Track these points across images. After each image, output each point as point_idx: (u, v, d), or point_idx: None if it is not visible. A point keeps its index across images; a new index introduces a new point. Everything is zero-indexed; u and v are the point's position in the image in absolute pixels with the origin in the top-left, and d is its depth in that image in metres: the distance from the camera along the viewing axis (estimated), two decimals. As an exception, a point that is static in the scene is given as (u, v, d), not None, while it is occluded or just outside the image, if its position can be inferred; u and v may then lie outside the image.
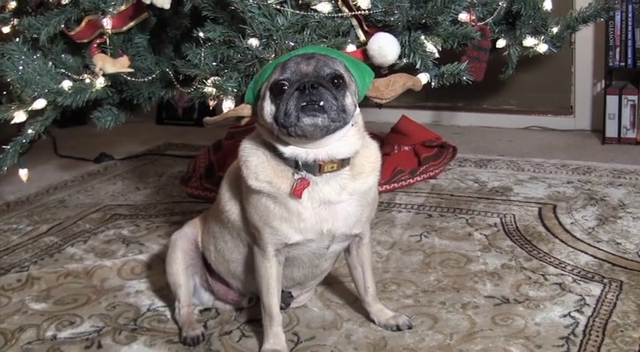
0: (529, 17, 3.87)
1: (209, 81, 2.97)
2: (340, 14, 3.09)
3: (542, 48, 3.95)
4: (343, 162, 2.32)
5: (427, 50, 3.15)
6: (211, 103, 3.08)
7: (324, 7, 3.06)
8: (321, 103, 2.14)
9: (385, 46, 2.85)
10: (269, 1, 2.95)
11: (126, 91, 3.40)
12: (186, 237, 2.83)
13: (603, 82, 5.49)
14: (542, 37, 3.96)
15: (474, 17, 3.25)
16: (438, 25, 3.16)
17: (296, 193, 2.28)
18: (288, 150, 2.27)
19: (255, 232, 2.43)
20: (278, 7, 2.98)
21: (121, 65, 3.20)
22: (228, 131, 4.70)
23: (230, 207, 2.56)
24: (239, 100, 2.72)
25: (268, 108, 2.22)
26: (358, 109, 2.36)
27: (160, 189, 4.65)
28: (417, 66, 3.13)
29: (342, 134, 2.27)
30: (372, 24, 3.12)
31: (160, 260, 3.27)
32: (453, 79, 3.15)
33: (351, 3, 3.05)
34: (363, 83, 2.36)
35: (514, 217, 3.79)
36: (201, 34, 3.08)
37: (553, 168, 4.69)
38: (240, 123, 2.42)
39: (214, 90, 2.94)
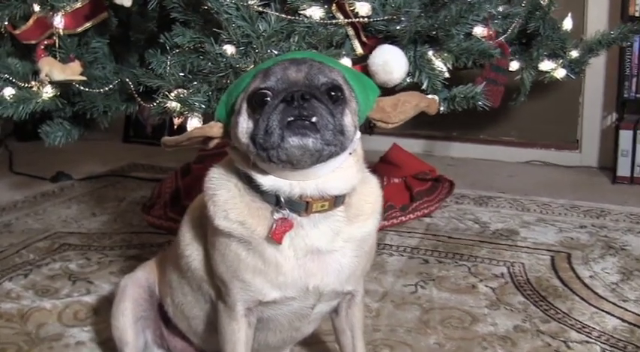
0: (547, 38, 3.39)
1: (172, 94, 2.44)
2: (334, 21, 2.66)
3: (560, 73, 3.54)
4: (337, 201, 1.92)
5: (436, 68, 2.67)
6: (176, 121, 2.61)
7: (315, 13, 2.64)
8: (314, 119, 1.74)
9: (391, 61, 2.34)
10: (250, 2, 2.46)
11: (78, 103, 2.97)
12: (139, 283, 2.44)
13: (614, 114, 5.17)
14: (561, 61, 3.47)
15: (492, 32, 2.74)
16: (450, 39, 2.71)
17: (275, 238, 1.89)
18: (267, 182, 1.87)
19: (220, 285, 2.06)
20: (260, 9, 2.48)
21: (71, 72, 2.76)
22: (198, 153, 4.27)
23: (191, 251, 2.19)
24: (208, 119, 2.24)
25: (244, 124, 1.83)
26: (359, 133, 1.94)
27: (118, 216, 4.29)
28: (424, 86, 2.70)
29: (338, 163, 1.87)
30: (372, 34, 2.70)
31: (109, 303, 2.79)
32: (466, 103, 2.70)
33: (347, 8, 2.60)
34: (366, 101, 1.94)
35: (523, 267, 3.41)
36: (167, 40, 2.67)
37: (562, 209, 4.33)
38: (207, 146, 2.00)
39: (178, 105, 2.43)
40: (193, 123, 2.52)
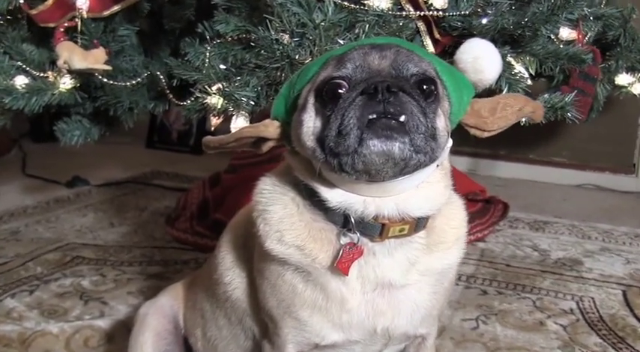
0: (626, 48, 3.03)
1: (214, 88, 2.08)
2: (403, 13, 2.34)
3: (638, 88, 3.18)
4: (418, 224, 1.61)
5: (517, 72, 2.30)
6: (213, 122, 2.27)
7: (382, 3, 2.29)
8: (402, 118, 1.42)
9: (483, 58, 1.95)
10: None
11: (100, 98, 2.69)
12: (162, 312, 2.14)
13: None
14: (639, 76, 3.10)
15: (582, 34, 2.37)
16: (535, 40, 2.31)
17: (341, 267, 1.57)
18: (334, 197, 1.56)
19: (268, 322, 1.77)
20: None
21: (94, 59, 2.48)
22: (230, 162, 3.91)
23: (232, 277, 1.88)
24: (256, 120, 1.87)
25: (310, 123, 1.51)
26: (450, 141, 1.61)
27: (139, 227, 3.98)
28: (504, 91, 2.29)
29: (424, 177, 1.57)
30: (446, 31, 2.33)
31: (125, 329, 2.54)
32: (553, 114, 2.35)
33: (419, 0, 2.19)
34: (460, 101, 1.61)
35: (594, 302, 3.05)
36: (207, 29, 2.41)
37: (625, 237, 3.99)
38: (259, 149, 1.66)
39: (221, 101, 2.07)
40: (239, 123, 2.19)
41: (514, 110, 1.65)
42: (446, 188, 1.64)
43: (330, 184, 1.55)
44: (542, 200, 4.82)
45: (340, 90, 1.47)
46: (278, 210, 1.65)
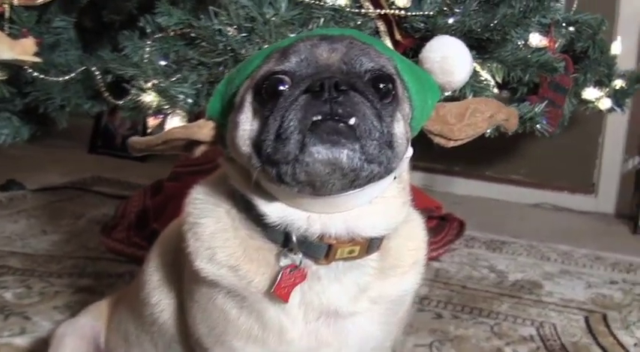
0: (595, 61, 2.87)
1: (149, 84, 1.87)
2: (361, 11, 2.16)
3: (605, 104, 3.06)
4: (371, 245, 1.42)
5: (482, 80, 2.11)
6: (150, 122, 2.03)
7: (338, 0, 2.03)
8: (352, 121, 1.23)
9: (453, 58, 1.72)
10: None
11: (31, 94, 2.48)
12: (81, 333, 1.94)
13: (637, 158, 4.81)
14: (607, 90, 2.95)
15: (553, 41, 2.20)
16: (503, 46, 2.14)
17: (280, 294, 1.39)
18: (274, 211, 1.37)
19: (198, 350, 1.57)
20: None
21: (22, 50, 2.32)
22: (173, 170, 3.72)
23: (159, 298, 1.68)
24: (193, 118, 1.66)
25: (247, 125, 1.33)
26: (410, 150, 1.42)
27: (73, 236, 3.75)
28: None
29: (378, 191, 1.39)
30: (408, 32, 2.13)
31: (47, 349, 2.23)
32: (522, 125, 2.16)
33: (381, -3, 2.03)
34: (423, 105, 1.42)
35: (555, 328, 2.90)
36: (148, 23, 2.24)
37: (585, 260, 3.85)
38: (191, 153, 1.47)
39: (156, 98, 1.84)
40: (174, 123, 1.95)
41: (485, 117, 1.47)
42: (404, 204, 1.45)
43: (270, 196, 1.35)
44: (499, 219, 4.69)
45: (281, 87, 1.27)
46: (210, 224, 1.45)
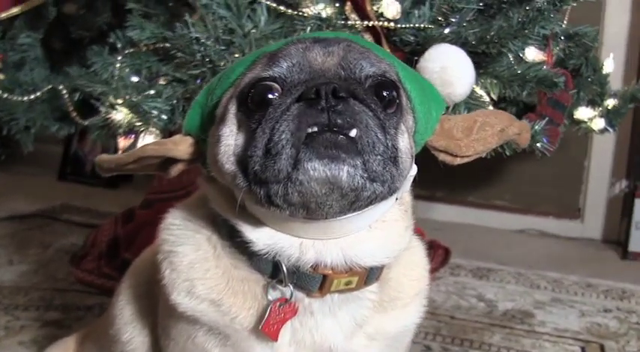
0: (587, 79, 2.76)
1: (120, 100, 1.72)
2: (348, 23, 2.03)
3: (598, 124, 2.93)
4: (370, 275, 1.30)
5: (477, 96, 2.00)
6: (121, 143, 1.87)
7: (322, 10, 1.97)
8: (353, 133, 1.10)
9: (453, 68, 1.59)
10: None
11: None
12: None
13: (624, 181, 4.67)
14: (600, 110, 2.84)
15: (551, 55, 2.07)
16: (498, 60, 1.99)
17: (267, 331, 1.26)
18: (262, 238, 1.24)
19: None
20: None
21: None
22: (145, 197, 3.58)
23: (131, 335, 1.54)
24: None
25: (231, 139, 1.20)
26: (415, 168, 1.28)
27: (41, 266, 3.62)
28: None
29: (379, 214, 1.26)
30: (397, 46, 2.04)
31: None
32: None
33: (368, 8, 1.88)
34: (428, 118, 1.29)
35: None
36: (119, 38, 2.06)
37: (576, 287, 3.72)
38: (167, 173, 1.32)
39: (128, 115, 1.70)
40: (147, 142, 1.80)
41: (495, 131, 1.33)
42: (406, 229, 1.32)
43: (257, 221, 1.22)
44: (483, 245, 4.56)
45: (270, 96, 1.15)
46: (189, 253, 1.31)
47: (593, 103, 2.95)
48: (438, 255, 3.78)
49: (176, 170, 1.30)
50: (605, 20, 4.47)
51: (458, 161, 1.33)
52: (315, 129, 1.08)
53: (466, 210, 5.12)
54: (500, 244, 4.59)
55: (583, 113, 2.87)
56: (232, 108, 1.19)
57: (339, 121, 1.08)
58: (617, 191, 4.75)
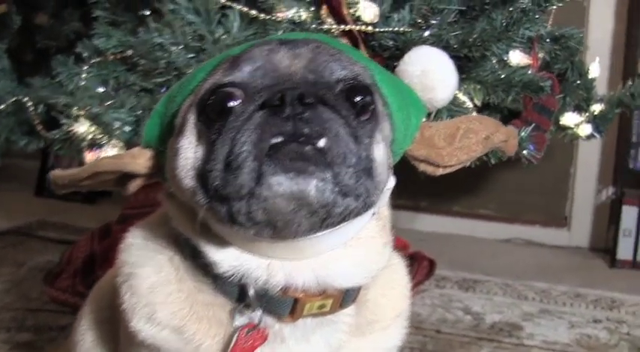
0: (573, 84, 2.69)
1: (82, 112, 1.62)
2: (323, 27, 1.94)
3: (585, 130, 2.84)
4: (345, 297, 1.19)
5: (460, 102, 1.91)
6: (87, 157, 1.77)
7: (296, 16, 1.86)
8: (321, 143, 1.00)
9: (435, 72, 1.49)
10: None
11: None
12: None
13: (611, 188, 4.59)
14: (586, 115, 2.76)
15: (539, 57, 1.99)
16: (481, 64, 1.90)
17: None
18: (226, 259, 1.13)
19: None
20: (224, 1, 1.73)
21: None
22: (122, 212, 3.44)
23: None
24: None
25: (190, 152, 1.09)
26: (392, 180, 1.19)
27: (13, 285, 3.47)
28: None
29: (355, 231, 1.16)
30: (376, 51, 1.95)
31: None
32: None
33: (344, 11, 1.78)
34: (407, 125, 1.19)
35: None
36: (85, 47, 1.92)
37: (565, 297, 3.63)
38: (125, 189, 1.23)
39: (90, 127, 1.60)
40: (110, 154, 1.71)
41: (480, 138, 1.23)
42: (385, 246, 1.22)
43: (221, 240, 1.11)
44: (469, 256, 4.47)
45: (231, 103, 1.04)
46: (149, 275, 1.21)
47: (579, 109, 2.88)
48: (423, 266, 3.68)
49: (135, 186, 1.19)
50: (589, 24, 4.41)
51: (440, 171, 1.23)
52: (280, 139, 0.98)
53: (451, 220, 5.03)
54: (487, 254, 4.51)
55: (569, 119, 2.80)
56: (192, 118, 1.09)
57: (305, 130, 0.98)
58: (604, 198, 4.67)
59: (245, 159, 0.98)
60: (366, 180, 1.02)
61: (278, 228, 1.01)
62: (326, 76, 1.06)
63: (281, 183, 0.96)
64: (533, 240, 4.81)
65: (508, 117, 2.39)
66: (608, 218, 4.50)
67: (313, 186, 0.97)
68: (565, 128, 2.82)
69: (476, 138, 1.21)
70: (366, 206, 1.04)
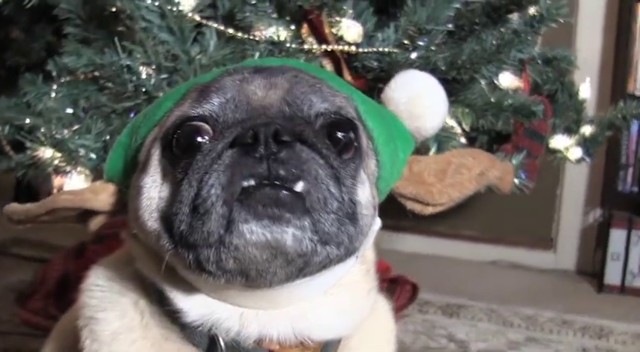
0: (563, 105, 2.62)
1: (48, 136, 1.53)
2: (304, 47, 1.84)
3: (575, 153, 2.75)
4: (325, 348, 1.08)
5: (447, 127, 1.83)
6: (56, 182, 1.67)
7: (275, 35, 1.78)
8: (299, 187, 0.91)
9: (423, 97, 1.37)
10: (182, 9, 1.58)
11: None
12: None
13: (598, 210, 4.53)
14: (576, 137, 2.68)
15: (527, 81, 1.91)
16: (470, 88, 1.82)
17: None
18: (195, 307, 1.03)
19: None
20: (198, 18, 1.62)
21: None
22: (97, 231, 3.20)
23: None
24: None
25: (154, 191, 1.00)
26: (378, 221, 1.13)
27: None
28: (431, 152, 1.85)
29: (336, 278, 1.06)
30: (359, 72, 1.84)
31: None
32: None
33: (326, 31, 1.70)
34: (394, 160, 1.11)
35: None
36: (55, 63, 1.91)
37: (552, 324, 3.54)
38: (87, 226, 1.17)
39: (56, 153, 1.50)
40: (75, 184, 1.61)
41: (473, 174, 1.15)
42: (369, 293, 1.12)
43: (189, 286, 1.01)
44: (452, 279, 4.38)
45: (199, 139, 0.96)
46: (112, 320, 1.10)
47: (568, 131, 2.80)
48: (405, 290, 3.58)
49: (96, 223, 1.10)
50: (577, 43, 4.36)
51: (429, 210, 1.14)
52: (252, 182, 0.89)
53: (434, 241, 4.95)
54: (471, 276, 4.44)
55: (559, 142, 2.71)
56: (156, 153, 1.00)
57: (281, 172, 0.89)
58: (591, 220, 4.62)
59: (214, 204, 0.89)
60: (349, 226, 0.92)
61: (251, 277, 0.92)
62: (304, 109, 0.97)
63: (253, 232, 0.87)
64: (518, 263, 4.73)
65: (496, 139, 2.31)
66: (596, 241, 4.44)
67: (290, 235, 0.88)
68: (554, 151, 2.74)
69: (469, 174, 1.12)
70: (348, 253, 0.94)
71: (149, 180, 0.99)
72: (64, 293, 3.13)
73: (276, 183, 0.89)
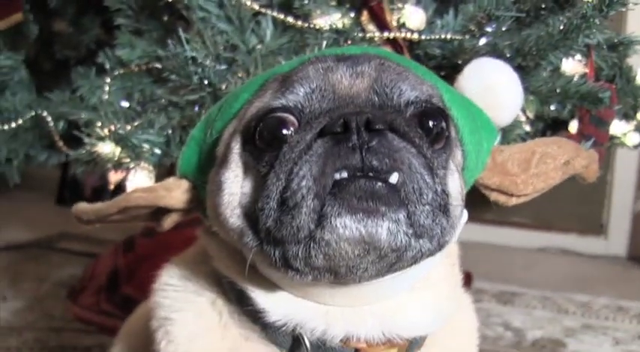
0: (621, 91, 2.54)
1: (106, 130, 1.50)
2: (366, 36, 1.78)
3: (632, 139, 2.66)
4: (412, 345, 1.05)
5: None
6: (112, 178, 1.65)
7: (337, 23, 1.74)
8: (394, 178, 0.87)
9: (499, 87, 1.33)
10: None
11: None
12: None
13: None
14: (634, 123, 2.61)
15: (595, 67, 1.86)
16: (534, 74, 1.78)
17: None
18: (278, 307, 1.01)
19: None
20: (256, 6, 1.58)
21: None
22: (145, 225, 3.21)
23: None
24: (165, 174, 1.28)
25: (235, 187, 0.97)
26: (465, 214, 1.11)
27: (36, 302, 3.30)
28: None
29: (423, 273, 1.04)
30: (421, 60, 1.79)
31: None
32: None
33: (388, 18, 1.65)
34: (478, 150, 1.07)
35: None
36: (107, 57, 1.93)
37: (607, 311, 3.48)
38: (160, 225, 1.12)
39: (116, 149, 1.47)
40: (138, 180, 1.57)
41: (558, 164, 1.13)
42: (455, 288, 1.12)
43: (271, 285, 0.99)
44: (503, 266, 4.32)
45: (285, 131, 0.93)
46: (189, 321, 1.08)
47: (626, 117, 2.74)
48: (460, 280, 3.58)
49: (170, 222, 1.07)
50: (627, 26, 4.28)
51: (514, 201, 1.11)
52: (345, 174, 0.86)
53: (483, 228, 4.84)
54: (521, 264, 4.39)
55: (618, 127, 2.65)
56: (236, 147, 0.97)
57: (375, 163, 0.85)
58: (645, 205, 4.53)
59: (304, 197, 0.86)
60: (442, 218, 0.90)
61: (340, 274, 0.90)
62: (394, 98, 0.94)
63: (347, 226, 0.84)
64: (568, 249, 4.68)
65: (552, 126, 2.26)
66: (650, 226, 4.31)
67: (385, 229, 0.85)
68: (612, 137, 2.68)
69: (554, 163, 1.09)
70: (440, 247, 0.92)
71: (230, 175, 0.96)
72: (115, 288, 3.12)
73: (370, 174, 0.86)
